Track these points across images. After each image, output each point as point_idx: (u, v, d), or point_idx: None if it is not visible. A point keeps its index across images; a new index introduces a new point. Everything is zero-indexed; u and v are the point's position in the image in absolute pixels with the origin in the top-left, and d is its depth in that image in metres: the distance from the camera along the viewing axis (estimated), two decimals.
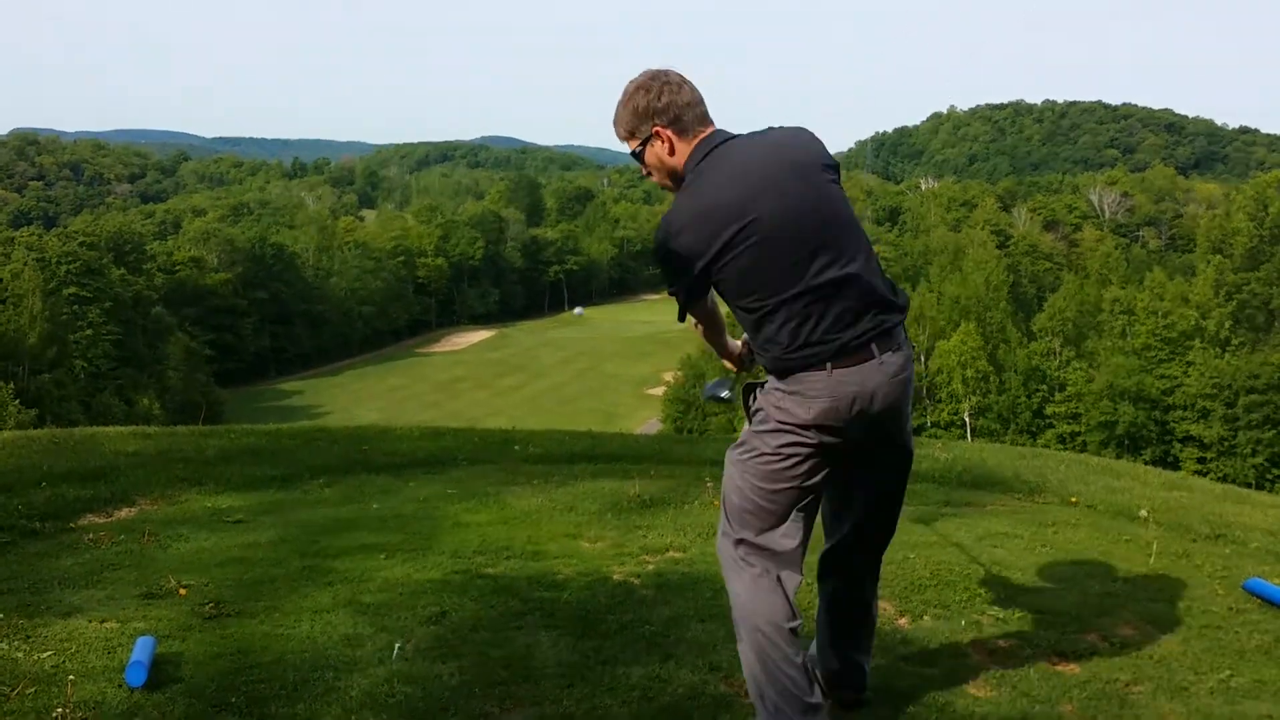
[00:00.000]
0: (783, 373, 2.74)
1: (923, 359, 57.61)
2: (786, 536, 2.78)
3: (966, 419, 54.76)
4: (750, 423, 2.83)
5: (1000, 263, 69.46)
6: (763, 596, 2.75)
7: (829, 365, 2.68)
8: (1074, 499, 6.36)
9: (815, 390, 2.69)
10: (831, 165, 2.75)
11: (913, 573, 4.40)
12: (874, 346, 2.71)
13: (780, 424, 2.74)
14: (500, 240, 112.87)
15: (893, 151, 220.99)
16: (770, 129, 2.81)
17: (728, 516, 2.83)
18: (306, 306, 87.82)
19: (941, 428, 54.83)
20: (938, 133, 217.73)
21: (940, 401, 56.55)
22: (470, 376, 79.20)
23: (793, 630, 2.75)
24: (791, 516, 2.78)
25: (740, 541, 2.78)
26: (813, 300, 2.66)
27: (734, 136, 2.79)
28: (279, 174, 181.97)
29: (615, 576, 4.34)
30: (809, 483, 2.77)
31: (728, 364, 3.20)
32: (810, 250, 2.65)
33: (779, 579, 2.76)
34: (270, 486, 6.16)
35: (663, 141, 2.78)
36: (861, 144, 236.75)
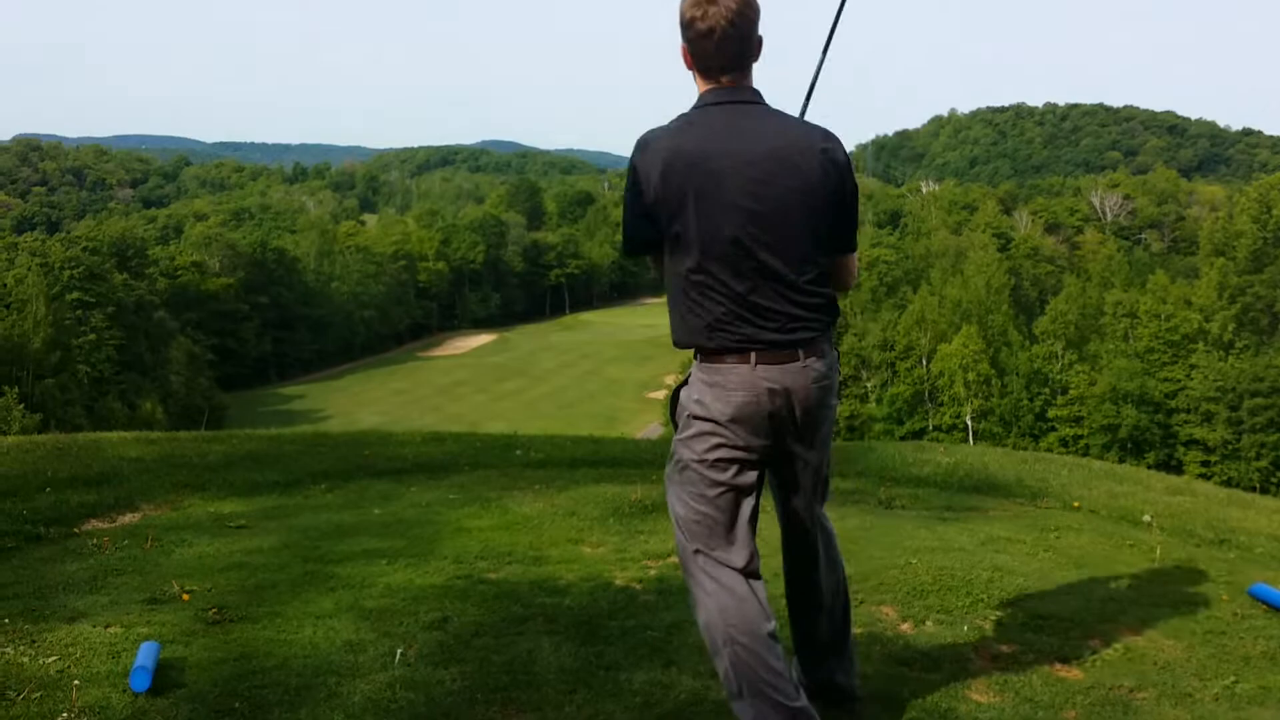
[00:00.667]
0: (707, 353, 2.72)
1: (924, 362, 57.65)
2: (741, 543, 2.76)
3: (968, 422, 54.75)
4: (676, 430, 2.81)
5: (1002, 266, 69.46)
6: (732, 605, 2.72)
7: (752, 357, 2.68)
8: (1077, 504, 6.35)
9: (734, 383, 2.69)
10: (834, 177, 2.71)
11: (915, 578, 4.40)
12: (800, 350, 2.72)
13: (700, 421, 2.72)
14: (501, 244, 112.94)
15: (893, 154, 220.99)
16: (786, 115, 2.76)
17: (680, 529, 2.81)
18: (308, 311, 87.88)
19: (943, 431, 54.84)
20: (939, 136, 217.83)
21: (942, 405, 56.58)
22: (471, 380, 79.22)
23: (770, 634, 2.72)
24: (740, 519, 2.76)
25: (698, 552, 2.76)
26: (747, 287, 2.67)
27: (751, 103, 2.73)
28: (280, 179, 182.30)
29: (617, 582, 4.35)
30: (741, 481, 2.74)
31: None
32: (761, 241, 2.65)
33: (747, 583, 2.74)
34: (272, 492, 6.17)
35: (684, 58, 2.77)
36: (862, 147, 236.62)
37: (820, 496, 2.98)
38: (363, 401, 72.11)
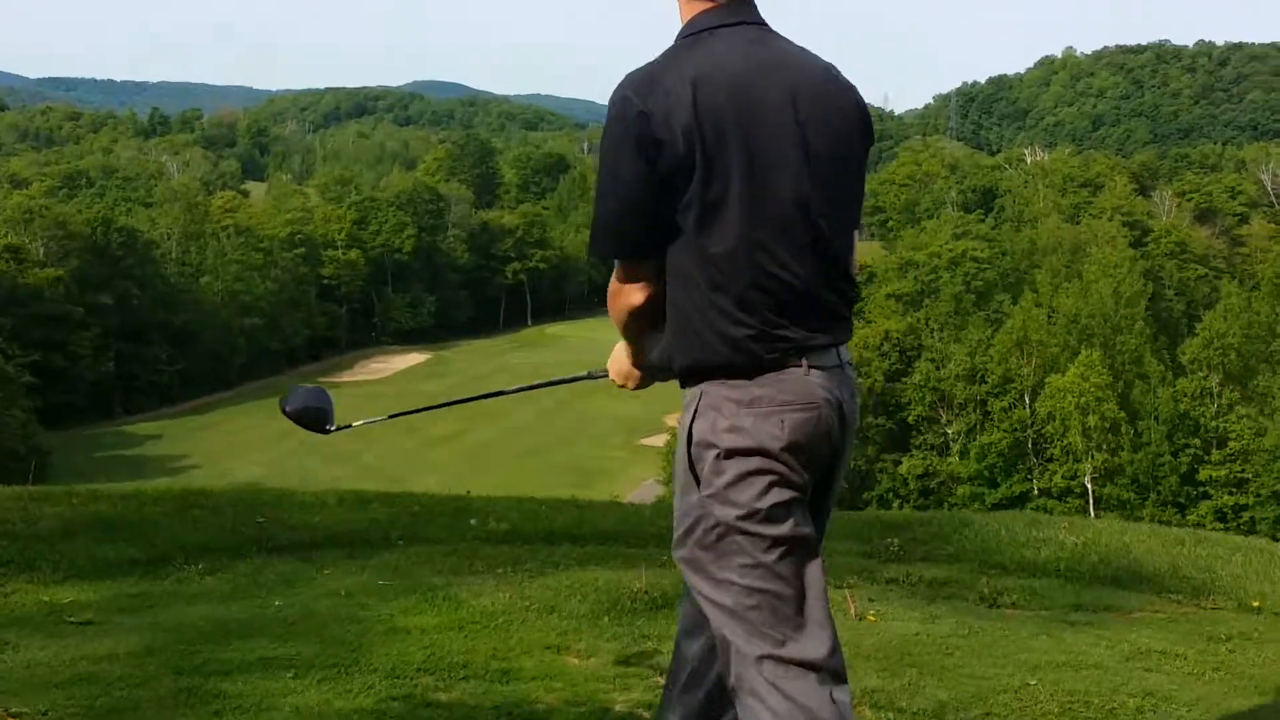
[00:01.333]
0: (739, 370, 2.70)
1: (1027, 400, 57.77)
2: (819, 624, 2.71)
3: (1088, 485, 54.78)
4: (698, 483, 2.74)
5: (1136, 267, 69.84)
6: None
7: (804, 361, 2.73)
8: (1256, 603, 6.37)
9: (787, 395, 2.69)
10: (869, 126, 2.89)
11: (1036, 706, 4.40)
12: (840, 352, 2.80)
13: (740, 458, 2.68)
14: (438, 227, 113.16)
15: (985, 110, 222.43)
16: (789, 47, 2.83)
17: (730, 630, 2.73)
18: (167, 316, 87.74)
19: (1054, 497, 54.87)
20: (1049, 85, 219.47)
21: (1052, 460, 56.64)
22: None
23: None
24: (812, 589, 2.72)
25: (764, 658, 2.69)
26: (808, 270, 2.71)
27: (763, 26, 2.82)
28: (131, 130, 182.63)
29: (617, 707, 4.34)
30: (805, 531, 2.72)
31: (628, 367, 3.11)
32: (818, 205, 2.73)
33: (831, 697, 2.68)
34: (130, 574, 6.13)
35: None
36: (942, 99, 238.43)
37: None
38: (240, 445, 71.95)
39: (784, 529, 2.69)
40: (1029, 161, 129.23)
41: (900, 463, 58.20)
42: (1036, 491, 56.06)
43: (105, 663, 4.69)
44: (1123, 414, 55.26)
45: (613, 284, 2.84)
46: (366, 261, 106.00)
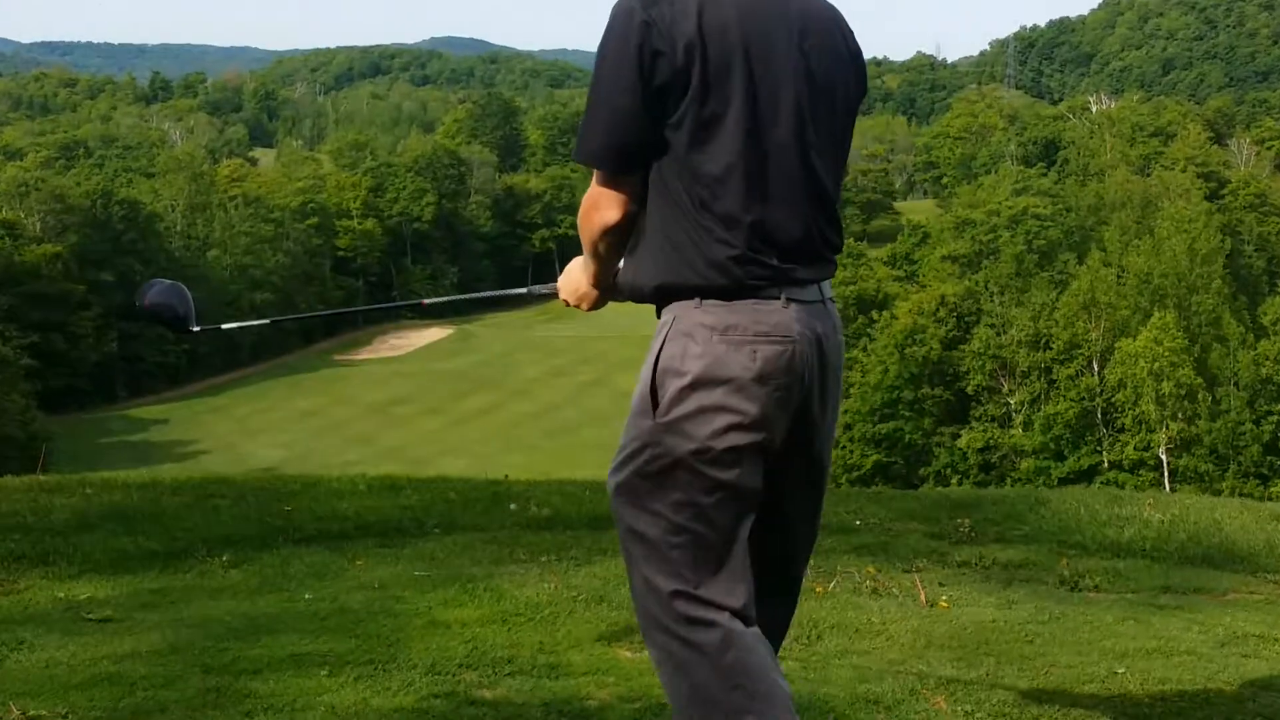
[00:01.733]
0: (716, 292, 2.75)
1: (1095, 367, 57.46)
2: (738, 575, 2.79)
3: (1163, 456, 54.49)
4: (654, 409, 2.78)
5: (1212, 222, 69.17)
6: (735, 660, 2.73)
7: (783, 295, 2.79)
8: None
9: (763, 325, 2.74)
10: (861, 61, 2.98)
11: (1125, 696, 4.38)
12: (822, 287, 2.88)
13: (703, 389, 2.72)
14: (460, 193, 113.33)
15: (1046, 56, 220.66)
16: None
17: (644, 563, 2.82)
18: None
19: (1125, 470, 54.60)
20: (1115, 28, 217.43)
21: (1123, 431, 56.31)
22: (416, 396, 79.50)
23: (791, 699, 2.78)
24: (739, 541, 2.80)
25: (677, 595, 2.78)
26: (795, 198, 2.79)
27: None
28: (131, 96, 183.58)
29: None
30: (750, 483, 2.78)
31: (586, 287, 3.13)
32: (811, 134, 2.81)
33: (753, 639, 2.78)
34: (150, 567, 6.16)
35: None
36: (999, 45, 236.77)
37: (809, 550, 3.07)
38: (255, 428, 72.45)
39: (730, 474, 2.75)
40: (1094, 110, 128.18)
41: (959, 436, 57.92)
42: (1106, 464, 55.78)
43: (127, 662, 4.71)
44: (1199, 380, 54.85)
45: (589, 197, 2.88)
46: (384, 231, 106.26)
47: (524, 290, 3.69)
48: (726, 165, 2.72)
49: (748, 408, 2.72)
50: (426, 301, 4.17)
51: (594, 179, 2.84)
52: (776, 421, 2.77)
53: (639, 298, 2.93)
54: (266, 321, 4.52)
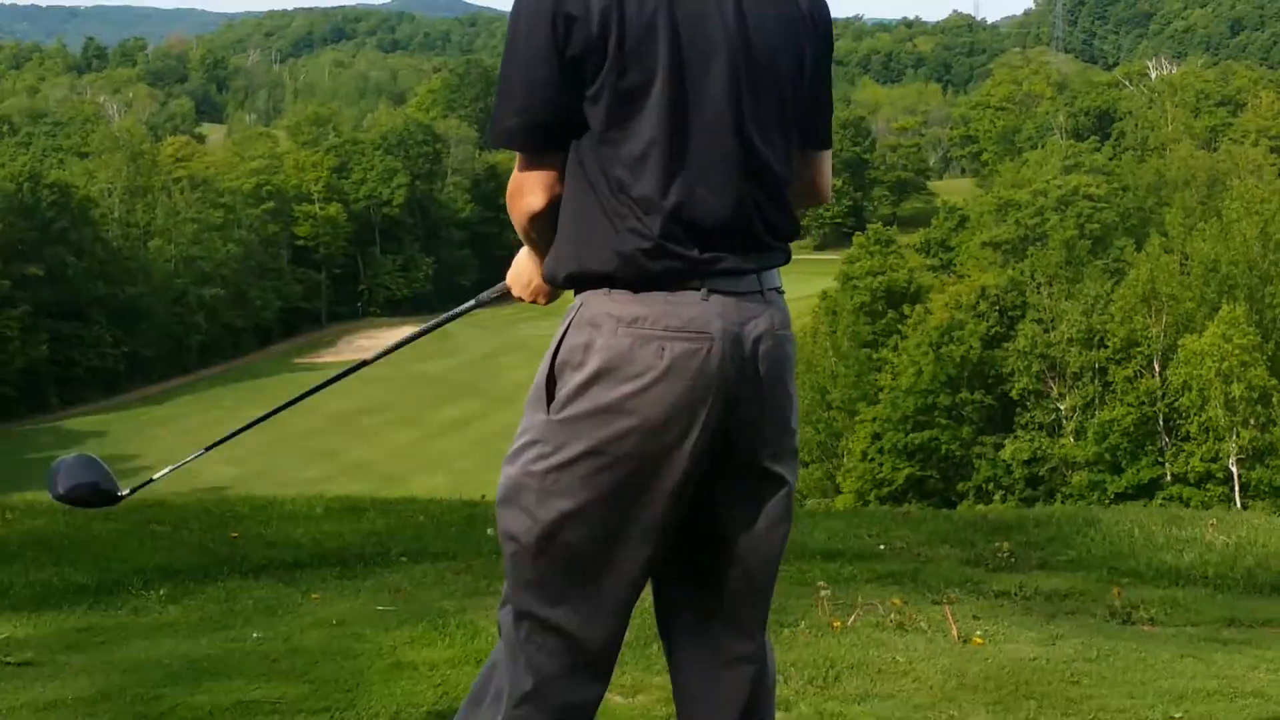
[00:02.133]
0: (622, 283, 2.75)
1: (1156, 367, 57.47)
2: (608, 610, 2.83)
3: (1233, 468, 54.52)
4: (548, 404, 2.79)
5: None
6: (562, 689, 2.82)
7: (704, 286, 2.76)
8: None
9: (674, 319, 2.72)
10: (825, 22, 2.98)
11: None
12: (761, 278, 2.84)
13: (601, 384, 2.72)
14: (435, 174, 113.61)
15: (1099, 15, 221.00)
16: None
17: (510, 567, 2.90)
18: (110, 289, 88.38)
19: (1191, 484, 54.60)
20: None
21: (1188, 439, 56.32)
22: (388, 404, 79.59)
23: None
24: (620, 575, 2.81)
25: (525, 616, 2.85)
26: (725, 182, 2.77)
27: None
28: (61, 66, 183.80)
29: None
30: (649, 514, 2.77)
31: (537, 280, 3.18)
32: (750, 108, 2.80)
33: (589, 675, 2.87)
34: (78, 603, 6.15)
35: None
36: (1046, 4, 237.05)
37: (770, 585, 3.01)
38: (203, 441, 71.55)
39: (625, 482, 2.75)
40: (1154, 76, 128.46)
41: (1002, 446, 57.87)
42: (1170, 478, 55.80)
43: (51, 712, 4.71)
44: (1274, 381, 54.93)
45: (512, 182, 2.92)
46: (349, 217, 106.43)
47: (471, 304, 3.66)
48: (647, 142, 2.73)
49: (650, 410, 2.70)
50: (372, 358, 4.07)
51: (516, 161, 2.88)
52: (687, 427, 2.73)
53: (555, 287, 3.02)
54: (203, 452, 4.45)
